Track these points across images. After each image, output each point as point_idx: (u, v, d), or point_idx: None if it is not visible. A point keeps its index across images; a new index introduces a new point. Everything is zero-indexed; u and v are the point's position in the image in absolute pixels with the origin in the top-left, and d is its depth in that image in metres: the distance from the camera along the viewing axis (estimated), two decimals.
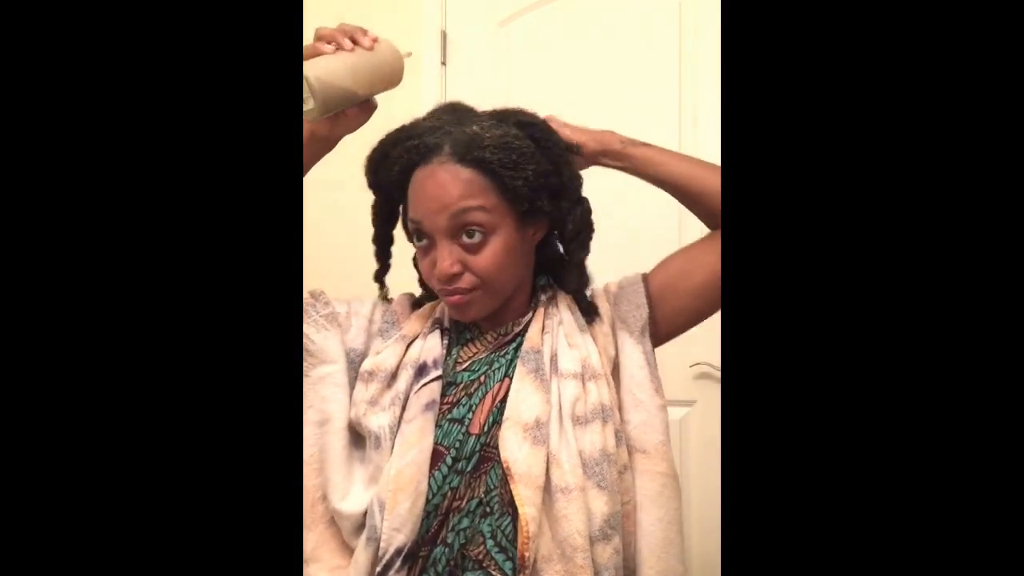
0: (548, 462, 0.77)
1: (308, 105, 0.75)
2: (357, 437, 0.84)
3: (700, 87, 1.79)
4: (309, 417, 0.83)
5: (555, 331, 0.85)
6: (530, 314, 0.87)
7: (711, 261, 0.86)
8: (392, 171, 0.81)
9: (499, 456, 0.78)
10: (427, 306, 0.91)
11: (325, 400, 0.84)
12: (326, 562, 0.81)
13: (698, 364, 1.76)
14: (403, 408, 0.81)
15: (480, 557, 0.76)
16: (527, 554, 0.74)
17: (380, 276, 0.93)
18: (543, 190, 0.81)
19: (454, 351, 0.86)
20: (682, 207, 0.93)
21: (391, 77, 0.82)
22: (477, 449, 0.80)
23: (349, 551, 0.82)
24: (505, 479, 0.77)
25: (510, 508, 0.76)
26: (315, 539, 0.82)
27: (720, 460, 0.64)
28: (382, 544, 0.76)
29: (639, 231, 1.59)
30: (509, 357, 0.84)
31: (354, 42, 0.79)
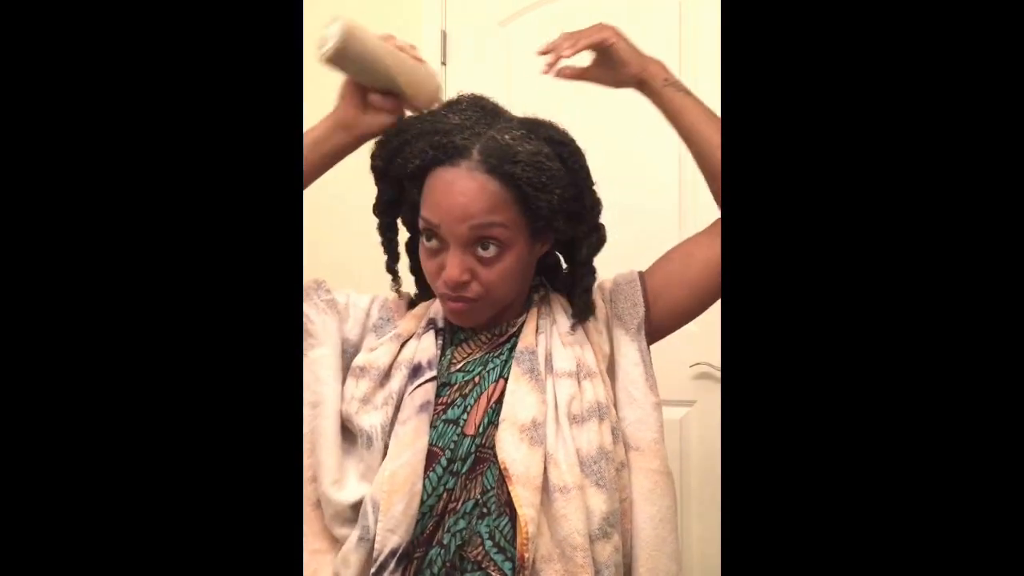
0: (546, 462, 0.77)
1: (327, 46, 0.76)
2: (348, 430, 0.84)
3: (700, 87, 1.78)
4: (304, 398, 0.83)
5: (549, 331, 0.85)
6: (524, 314, 0.87)
7: (708, 257, 0.85)
8: (411, 163, 0.78)
9: (495, 457, 0.77)
10: (421, 305, 0.91)
11: (319, 381, 0.83)
12: (309, 543, 0.81)
13: (698, 364, 1.76)
14: (396, 408, 0.81)
15: (479, 558, 0.76)
16: (526, 555, 0.74)
17: (391, 266, 0.91)
18: (564, 213, 0.81)
19: (448, 351, 0.86)
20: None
21: (417, 86, 0.83)
22: (472, 450, 0.79)
23: (329, 536, 0.82)
24: (502, 480, 0.77)
25: (508, 509, 0.76)
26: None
27: (720, 460, 0.64)
28: (376, 545, 0.76)
29: (639, 231, 1.60)
30: (504, 358, 0.84)
31: (399, 47, 0.81)
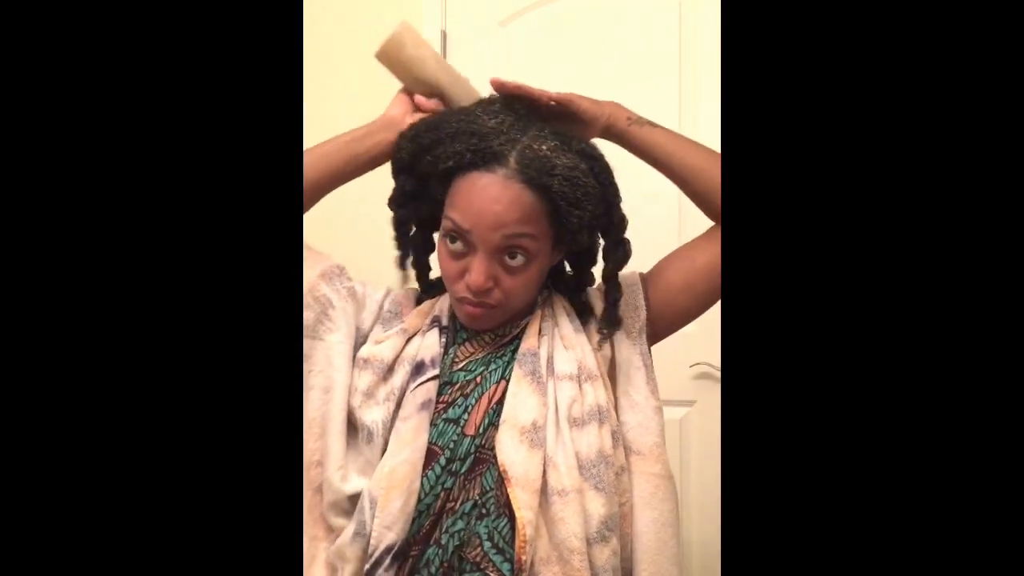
0: (545, 465, 0.77)
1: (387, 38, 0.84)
2: (350, 422, 0.84)
3: (700, 87, 1.79)
4: (317, 382, 0.82)
5: (551, 333, 0.85)
6: (528, 316, 0.87)
7: (709, 259, 0.85)
8: (443, 164, 0.77)
9: (495, 458, 0.77)
10: (427, 303, 0.90)
11: (333, 367, 0.83)
12: (308, 529, 0.81)
13: (698, 364, 1.76)
14: (398, 405, 0.81)
15: (477, 559, 0.76)
16: (524, 557, 0.74)
17: (403, 263, 0.90)
18: (590, 228, 0.82)
19: (451, 350, 0.86)
20: (681, 207, 0.93)
21: (459, 98, 0.87)
22: (472, 451, 0.79)
23: (326, 524, 0.81)
24: (501, 481, 0.76)
25: (507, 510, 0.76)
26: (303, 504, 0.81)
27: (720, 460, 0.64)
28: (372, 541, 0.76)
29: (639, 231, 1.60)
30: (506, 359, 0.84)
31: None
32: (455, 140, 0.76)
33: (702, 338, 1.51)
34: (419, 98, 0.86)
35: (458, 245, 0.78)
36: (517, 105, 0.82)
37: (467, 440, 0.80)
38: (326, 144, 0.86)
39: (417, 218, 0.89)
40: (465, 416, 0.81)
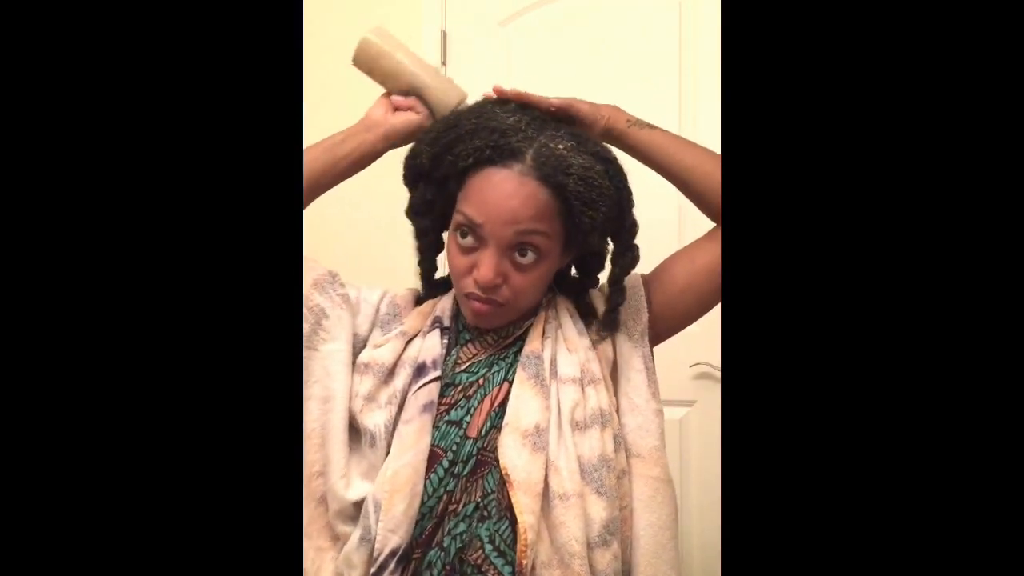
0: (547, 468, 0.77)
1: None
2: (354, 428, 0.83)
3: (700, 87, 1.79)
4: (314, 392, 0.82)
5: (555, 335, 0.85)
6: (531, 318, 0.86)
7: (710, 262, 0.85)
8: (463, 161, 0.76)
9: (497, 461, 0.77)
10: (428, 303, 0.90)
11: (331, 377, 0.83)
12: (313, 540, 0.81)
13: (698, 364, 1.76)
14: (400, 408, 0.81)
15: (479, 562, 0.76)
16: (525, 561, 0.74)
17: (429, 278, 0.91)
18: (601, 230, 0.81)
19: (453, 352, 0.86)
20: (681, 209, 0.93)
21: (440, 93, 0.86)
22: (474, 453, 0.79)
23: (332, 533, 0.81)
24: (503, 484, 0.76)
25: (508, 513, 0.76)
26: (306, 516, 0.81)
27: (720, 460, 0.64)
28: (377, 545, 0.76)
29: (639, 238, 1.60)
30: (509, 361, 0.84)
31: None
32: (474, 136, 0.76)
33: (702, 338, 1.51)
34: (395, 98, 0.87)
35: (469, 240, 0.78)
36: (529, 108, 0.82)
37: (469, 442, 0.80)
38: (308, 150, 0.86)
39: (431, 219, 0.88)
40: (467, 418, 0.81)
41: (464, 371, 0.84)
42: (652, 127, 0.88)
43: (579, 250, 0.85)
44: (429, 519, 0.78)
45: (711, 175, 0.85)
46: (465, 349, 0.86)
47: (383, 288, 0.91)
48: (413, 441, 0.78)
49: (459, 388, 0.83)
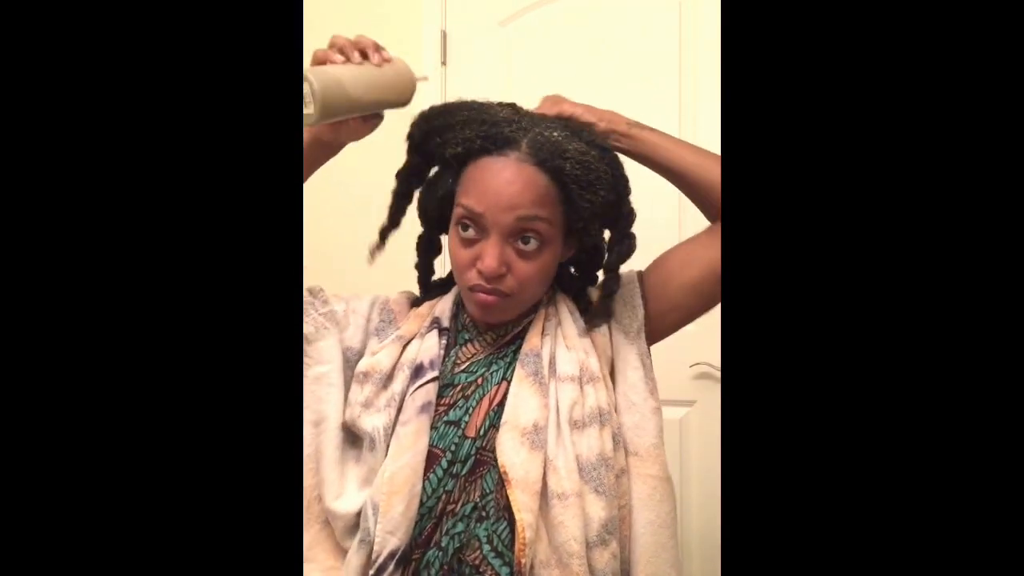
0: (545, 467, 0.77)
1: (308, 109, 0.73)
2: (353, 437, 0.83)
3: (700, 87, 1.79)
4: (305, 417, 0.82)
5: (554, 333, 0.85)
6: (531, 315, 0.86)
7: (708, 257, 0.85)
8: (452, 149, 0.78)
9: (495, 460, 0.77)
10: (425, 305, 0.90)
11: (320, 400, 0.83)
12: (320, 562, 0.81)
13: (698, 364, 1.76)
14: (399, 410, 0.81)
15: (477, 562, 0.76)
16: (523, 560, 0.74)
17: (386, 234, 0.88)
18: (601, 217, 0.82)
19: (452, 352, 0.86)
20: (681, 207, 0.93)
21: (399, 95, 0.79)
22: (473, 452, 0.79)
23: (342, 552, 0.81)
24: (501, 483, 0.76)
25: (506, 513, 0.76)
26: (310, 539, 0.81)
27: (720, 460, 0.64)
28: (375, 547, 0.76)
29: (638, 231, 1.60)
30: (508, 359, 0.84)
31: (364, 56, 0.76)
32: (465, 127, 0.77)
33: (702, 338, 1.51)
34: (355, 124, 0.78)
35: (470, 232, 0.78)
36: (520, 108, 0.83)
37: (468, 442, 0.79)
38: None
39: (425, 218, 0.88)
40: (466, 418, 0.81)
41: (463, 371, 0.84)
42: (651, 129, 0.88)
43: (579, 241, 0.85)
44: (428, 519, 0.78)
45: (712, 175, 0.85)
46: (464, 349, 0.86)
47: (372, 295, 0.91)
48: (411, 442, 0.78)
49: (458, 388, 0.83)
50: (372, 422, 0.80)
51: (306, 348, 0.84)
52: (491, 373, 0.83)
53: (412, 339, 0.86)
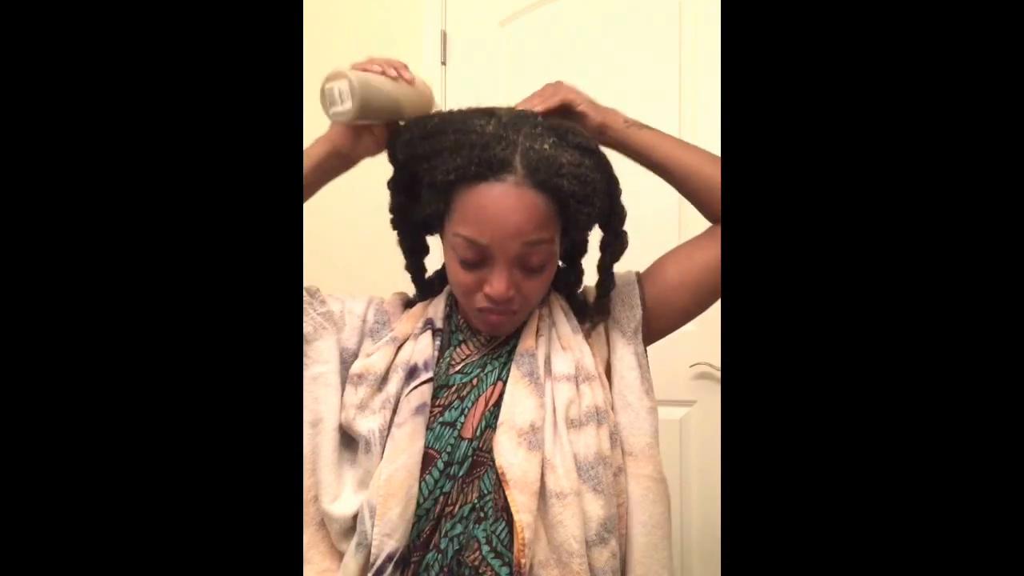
0: (543, 467, 0.76)
1: (345, 106, 0.75)
2: (349, 439, 0.83)
3: (700, 87, 1.79)
4: (304, 417, 0.82)
5: (549, 333, 0.85)
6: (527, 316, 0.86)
7: (707, 258, 0.85)
8: (442, 176, 0.74)
9: (492, 461, 0.77)
10: (419, 306, 0.90)
11: (317, 400, 0.83)
12: (316, 564, 0.80)
13: (698, 364, 1.76)
14: (394, 411, 0.80)
15: (476, 563, 0.75)
16: (523, 560, 0.74)
17: (418, 279, 0.93)
18: (596, 222, 0.82)
19: (447, 353, 0.85)
20: (681, 207, 0.93)
21: (423, 110, 0.83)
22: (469, 454, 0.79)
23: (338, 554, 0.81)
24: (499, 484, 0.76)
25: (505, 513, 0.75)
26: (306, 541, 0.81)
27: (720, 460, 0.64)
28: (373, 550, 0.75)
29: (638, 229, 1.60)
30: (503, 360, 0.84)
31: (398, 74, 0.79)
32: (455, 154, 0.73)
33: (702, 338, 1.51)
34: (379, 132, 0.82)
35: (473, 258, 0.77)
36: (501, 110, 0.80)
37: (464, 443, 0.79)
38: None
39: (411, 227, 0.88)
40: (462, 419, 0.81)
41: (458, 372, 0.84)
42: (650, 128, 0.88)
43: (571, 242, 0.85)
44: (426, 521, 0.77)
45: (710, 175, 0.85)
46: (458, 350, 0.86)
47: (368, 296, 0.91)
48: (406, 444, 0.78)
49: (452, 389, 0.83)
50: (367, 424, 0.80)
51: (304, 348, 0.84)
52: (486, 374, 0.83)
53: (406, 340, 0.85)
